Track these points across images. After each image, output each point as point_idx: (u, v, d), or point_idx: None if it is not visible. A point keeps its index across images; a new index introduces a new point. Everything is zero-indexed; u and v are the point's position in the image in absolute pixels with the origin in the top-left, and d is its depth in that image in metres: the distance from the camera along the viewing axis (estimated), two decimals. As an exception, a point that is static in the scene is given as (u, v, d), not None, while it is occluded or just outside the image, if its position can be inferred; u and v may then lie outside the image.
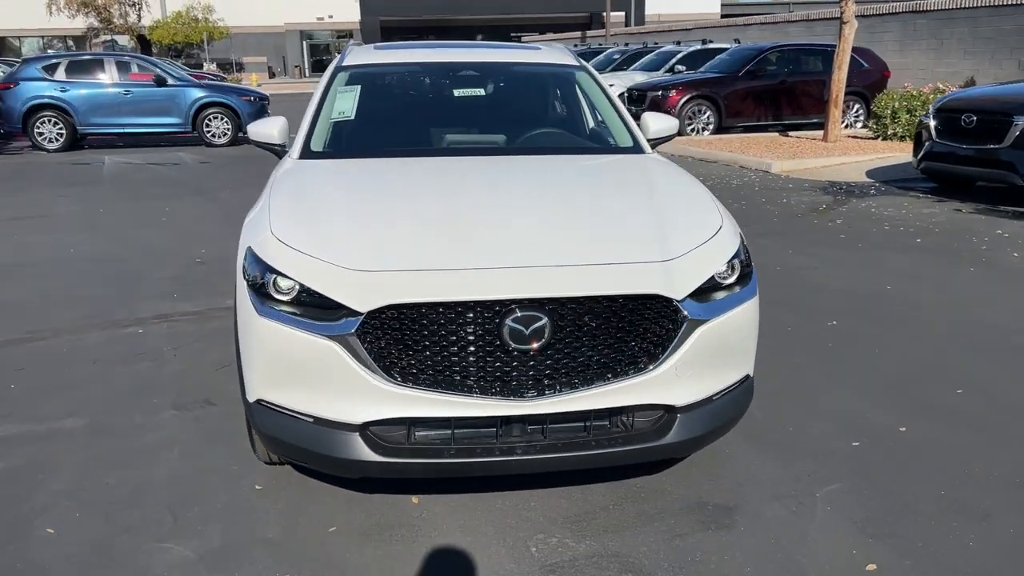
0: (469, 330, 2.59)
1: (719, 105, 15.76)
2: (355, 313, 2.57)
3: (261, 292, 2.74)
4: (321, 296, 2.62)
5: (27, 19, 51.26)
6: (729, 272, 2.91)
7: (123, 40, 52.02)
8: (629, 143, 4.09)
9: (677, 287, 2.71)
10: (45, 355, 4.71)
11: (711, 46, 19.91)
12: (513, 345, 2.58)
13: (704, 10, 52.25)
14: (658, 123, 4.28)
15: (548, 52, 4.79)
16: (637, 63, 20.29)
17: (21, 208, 9.64)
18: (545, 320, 2.58)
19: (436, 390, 2.62)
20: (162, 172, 12.79)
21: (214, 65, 45.97)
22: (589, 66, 4.56)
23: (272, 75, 53.89)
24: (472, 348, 2.60)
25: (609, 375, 2.69)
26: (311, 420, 2.70)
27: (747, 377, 3.04)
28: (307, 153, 3.83)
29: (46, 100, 15.29)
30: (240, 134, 15.84)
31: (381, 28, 48.39)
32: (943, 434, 3.65)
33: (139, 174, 12.57)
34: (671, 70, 18.73)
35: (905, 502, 3.10)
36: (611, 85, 18.03)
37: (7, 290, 6.06)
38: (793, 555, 2.77)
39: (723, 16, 48.16)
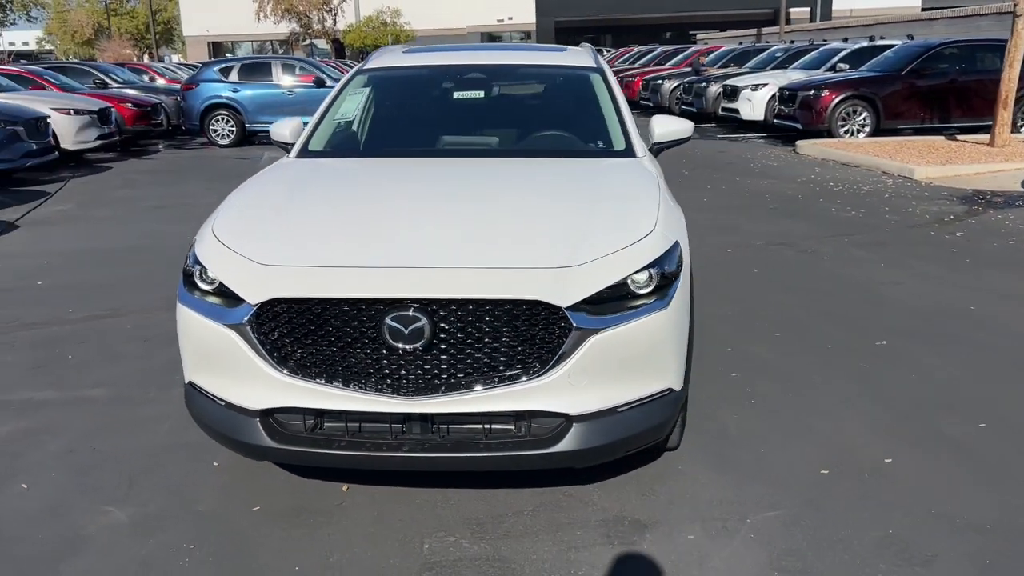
0: (353, 327, 2.67)
1: (876, 106, 14.75)
2: (250, 304, 2.72)
3: (189, 281, 2.96)
4: (224, 286, 2.81)
5: (240, 25, 55.83)
6: (648, 281, 2.81)
7: (321, 43, 55.63)
8: (621, 147, 4.00)
9: (565, 294, 2.66)
10: (110, 331, 5.23)
11: (879, 43, 18.65)
12: (395, 344, 2.64)
13: (902, 3, 48.78)
14: (664, 126, 4.17)
15: (568, 54, 4.77)
16: (798, 61, 19.36)
17: (169, 198, 10.63)
18: (424, 321, 2.62)
19: (326, 383, 2.72)
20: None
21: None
22: (606, 68, 4.49)
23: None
24: (357, 345, 2.69)
25: (497, 379, 2.69)
26: (223, 404, 2.88)
27: (668, 391, 2.92)
28: (303, 152, 4.04)
29: (221, 100, 16.71)
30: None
31: (556, 29, 48.88)
32: (929, 470, 3.32)
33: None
34: (832, 68, 17.73)
35: (840, 538, 2.87)
36: (763, 85, 17.42)
37: (116, 271, 6.76)
38: (683, 580, 2.66)
39: (924, 9, 44.83)
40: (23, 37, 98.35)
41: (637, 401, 2.85)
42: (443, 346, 2.67)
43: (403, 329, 2.62)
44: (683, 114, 21.21)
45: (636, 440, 2.89)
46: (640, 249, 2.87)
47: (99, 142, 14.41)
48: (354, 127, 4.36)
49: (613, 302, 2.75)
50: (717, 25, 45.93)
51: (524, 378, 2.68)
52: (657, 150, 4.26)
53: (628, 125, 4.10)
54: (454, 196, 3.39)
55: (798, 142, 14.23)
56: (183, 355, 3.02)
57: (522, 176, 3.61)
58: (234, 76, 16.91)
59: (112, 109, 15.20)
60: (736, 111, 17.90)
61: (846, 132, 14.91)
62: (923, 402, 3.97)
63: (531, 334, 2.68)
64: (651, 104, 23.25)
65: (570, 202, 3.24)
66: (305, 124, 4.31)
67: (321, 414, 2.80)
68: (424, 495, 3.18)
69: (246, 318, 2.72)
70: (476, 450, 2.75)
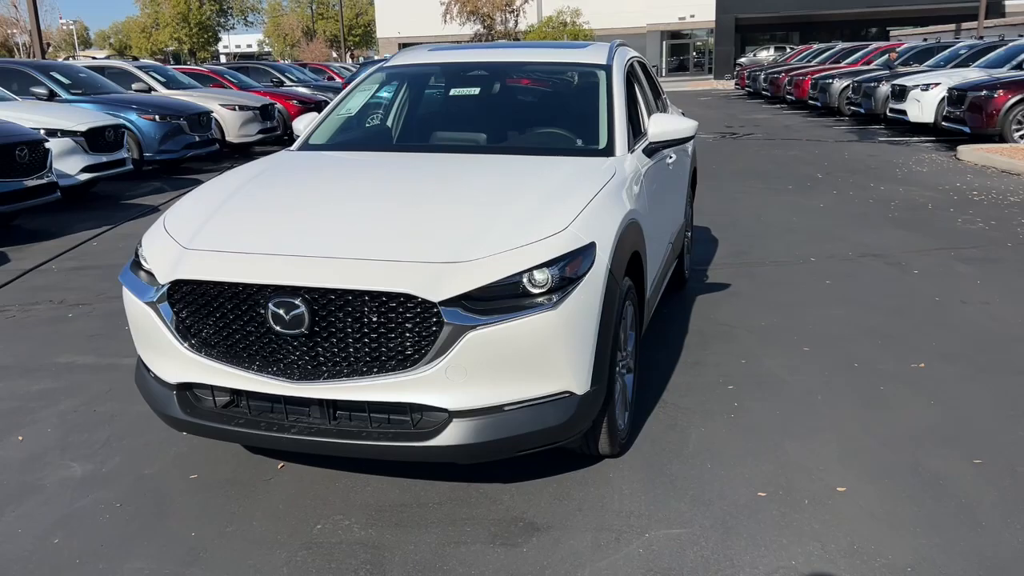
0: (243, 310, 2.81)
1: (1059, 109, 13.29)
2: (160, 283, 2.93)
3: (135, 262, 3.21)
4: (145, 264, 3.04)
5: (428, 27, 58.11)
6: (545, 281, 2.76)
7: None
8: (602, 145, 3.91)
9: (439, 290, 2.66)
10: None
11: (1076, 38, 16.72)
12: (278, 329, 2.76)
13: None
14: (659, 125, 4.04)
15: (584, 51, 4.67)
16: (981, 59, 17.72)
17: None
18: (303, 308, 2.71)
19: (225, 363, 2.88)
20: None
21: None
22: (616, 66, 4.38)
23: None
24: (249, 328, 2.82)
25: (376, 369, 2.74)
26: (153, 377, 3.11)
27: (567, 393, 2.85)
28: (303, 146, 4.25)
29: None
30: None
31: (736, 26, 47.27)
32: (878, 505, 3.03)
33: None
34: (1019, 66, 16.10)
35: (731, 564, 2.69)
36: (934, 85, 16.10)
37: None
38: (542, 587, 2.60)
39: None
40: (247, 40, 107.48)
41: (527, 401, 2.80)
42: (324, 334, 2.75)
43: (284, 315, 2.73)
44: (852, 116, 20.02)
45: (526, 440, 2.84)
46: (538, 248, 2.81)
47: (260, 135, 15.56)
48: (356, 123, 4.52)
49: (502, 299, 2.72)
50: (914, 20, 42.75)
51: (402, 370, 2.72)
52: (652, 149, 4.12)
53: (615, 123, 3.99)
54: (396, 191, 3.46)
55: (960, 147, 13.08)
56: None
57: (477, 174, 3.61)
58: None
59: (275, 105, 16.38)
60: (904, 112, 16.68)
61: (1021, 137, 13.54)
62: (923, 433, 3.60)
63: (406, 327, 2.70)
64: (819, 104, 22.08)
65: (497, 199, 3.21)
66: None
67: (236, 393, 2.96)
68: (348, 479, 3.28)
69: (158, 296, 2.93)
70: (360, 438, 2.81)
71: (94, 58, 44.22)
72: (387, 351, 2.73)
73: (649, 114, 4.67)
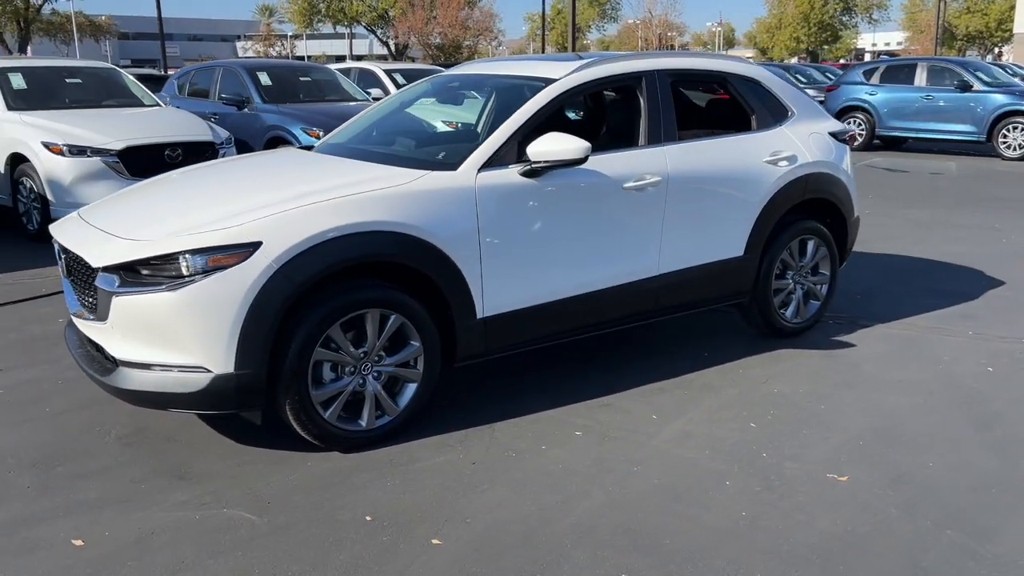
0: (61, 260, 3.89)
1: None
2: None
3: None
4: None
5: None
6: (187, 267, 3.25)
7: None
8: (449, 159, 3.95)
9: (101, 259, 3.38)
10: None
11: None
12: (66, 279, 3.80)
13: None
14: (538, 146, 3.85)
15: (547, 65, 4.48)
16: None
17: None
18: (63, 263, 3.70)
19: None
20: (916, 180, 12.66)
21: None
22: (561, 81, 4.17)
23: None
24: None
25: (91, 315, 3.58)
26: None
27: (201, 368, 3.29)
28: (321, 146, 5.03)
29: (856, 103, 16.39)
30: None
31: None
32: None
33: (884, 179, 12.73)
34: None
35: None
36: None
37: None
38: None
39: None
40: (889, 38, 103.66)
41: (168, 366, 3.35)
42: (76, 284, 3.69)
43: (63, 268, 3.76)
44: None
45: (171, 400, 3.38)
46: (191, 238, 3.31)
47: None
48: (360, 127, 5.06)
49: (153, 275, 3.32)
50: None
51: (97, 320, 3.51)
52: (531, 172, 3.91)
53: (485, 139, 3.93)
54: (223, 182, 4.11)
55: None
56: None
57: (291, 172, 4.08)
58: (875, 79, 16.32)
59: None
60: None
61: None
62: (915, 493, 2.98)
63: (92, 285, 3.48)
64: None
65: (250, 194, 3.68)
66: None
67: None
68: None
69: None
70: (90, 368, 3.66)
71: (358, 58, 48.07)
72: (91, 302, 3.55)
73: (638, 137, 4.37)
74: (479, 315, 3.84)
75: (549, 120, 4.18)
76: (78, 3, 71.35)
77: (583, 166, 4.07)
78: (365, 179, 3.73)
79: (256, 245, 3.29)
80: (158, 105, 9.57)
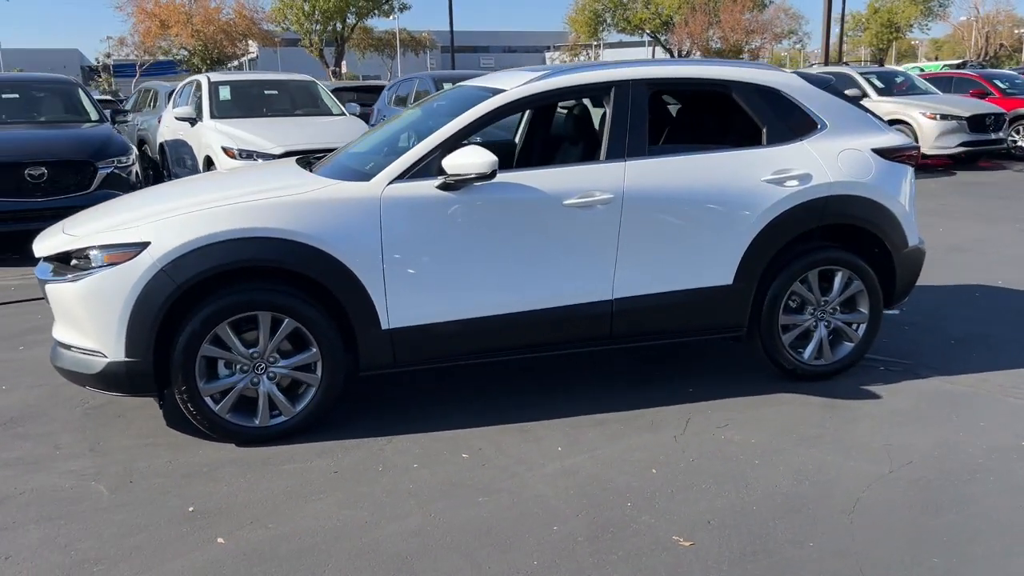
0: None
1: None
2: None
3: None
4: None
5: None
6: (92, 260, 3.65)
7: None
8: (368, 170, 3.98)
9: (41, 250, 3.88)
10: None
11: None
12: None
13: None
14: (454, 159, 3.80)
15: (519, 75, 4.24)
16: None
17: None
18: None
19: None
20: None
21: None
22: (506, 92, 4.02)
23: None
24: None
25: None
26: None
27: (99, 353, 3.67)
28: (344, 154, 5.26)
29: None
30: None
31: None
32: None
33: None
34: None
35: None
36: None
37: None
38: None
39: None
40: None
41: (79, 348, 3.78)
42: None
43: None
44: None
45: (84, 379, 3.79)
46: (98, 236, 3.71)
47: (962, 148, 14.07)
48: (375, 137, 5.14)
49: (74, 267, 3.76)
50: None
51: None
52: (449, 185, 3.83)
53: (406, 152, 3.92)
54: (184, 191, 4.37)
55: None
56: None
57: (241, 182, 4.28)
58: None
59: (1002, 115, 14.44)
60: None
61: None
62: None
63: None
64: None
65: (172, 199, 4.03)
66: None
67: None
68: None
69: None
70: None
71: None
72: None
73: (599, 152, 4.14)
74: (384, 326, 3.86)
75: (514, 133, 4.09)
76: (405, 20, 78.75)
77: (512, 180, 3.94)
78: (276, 187, 3.91)
79: (144, 245, 3.60)
80: (343, 115, 10.46)
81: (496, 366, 4.64)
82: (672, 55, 51.19)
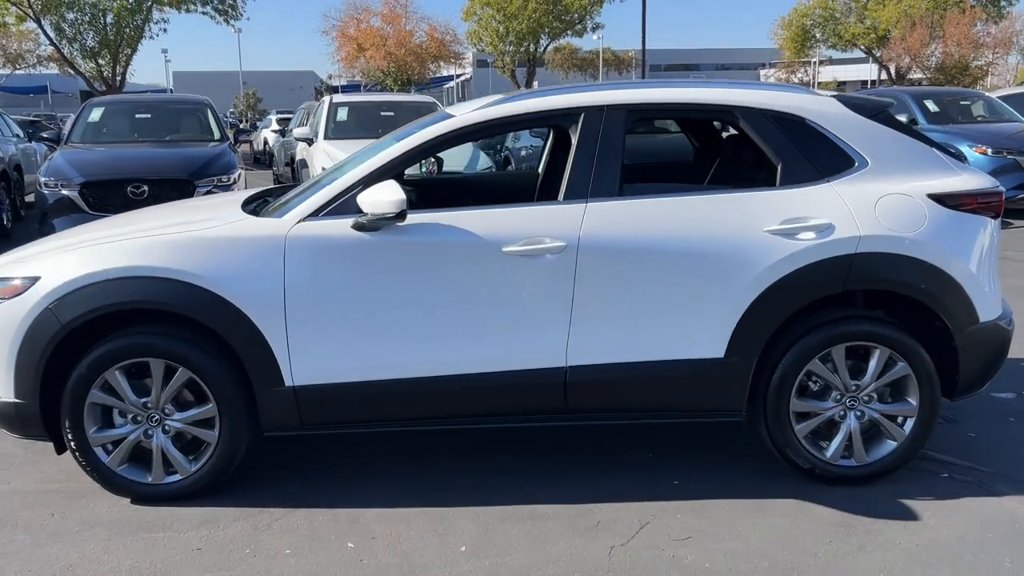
0: None
1: None
2: None
3: None
4: None
5: None
6: None
7: None
8: (280, 205, 3.55)
9: None
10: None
11: None
12: None
13: None
14: (368, 195, 3.30)
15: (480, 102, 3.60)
16: None
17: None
18: None
19: None
20: None
21: None
22: (453, 119, 3.44)
23: None
24: None
25: None
26: None
27: None
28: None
29: None
30: None
31: None
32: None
33: None
34: None
35: None
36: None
37: None
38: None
39: None
40: None
41: None
42: None
43: None
44: None
45: None
46: (2, 267, 3.51)
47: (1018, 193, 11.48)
48: None
49: None
50: None
51: None
52: (363, 225, 3.31)
53: (326, 182, 3.44)
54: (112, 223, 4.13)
55: None
56: None
57: (161, 215, 4.03)
58: None
59: None
60: None
61: None
62: None
63: None
64: None
65: (87, 231, 3.81)
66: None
67: None
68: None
69: None
70: None
71: None
72: None
73: (557, 190, 3.50)
74: (288, 382, 3.39)
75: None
76: (611, 39, 78.91)
77: (439, 221, 3.40)
78: (184, 222, 3.57)
79: (34, 280, 3.36)
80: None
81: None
82: (888, 72, 47.47)
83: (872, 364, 3.47)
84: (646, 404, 3.51)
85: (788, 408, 3.47)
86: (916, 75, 46.41)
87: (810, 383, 3.52)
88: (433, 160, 5.92)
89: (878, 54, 47.32)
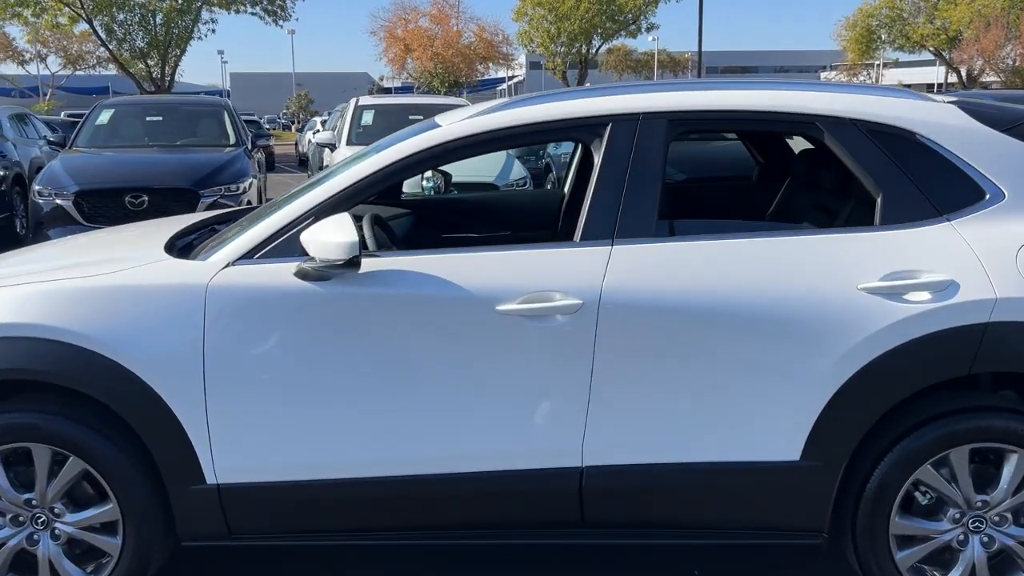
0: None
1: None
2: None
3: None
4: None
5: None
6: None
7: None
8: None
9: None
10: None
11: None
12: None
13: None
14: (311, 234, 2.42)
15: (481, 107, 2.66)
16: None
17: None
18: None
19: None
20: None
21: None
22: (443, 126, 2.53)
23: None
24: None
25: None
26: None
27: None
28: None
29: None
30: None
31: None
32: None
33: None
34: None
35: None
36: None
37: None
38: None
39: None
40: None
41: None
42: None
43: None
44: None
45: None
46: None
47: None
48: None
49: None
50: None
51: None
52: (308, 273, 2.45)
53: (270, 216, 2.59)
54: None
55: None
56: None
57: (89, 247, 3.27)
58: None
59: None
60: None
61: None
62: None
63: None
64: None
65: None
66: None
67: None
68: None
69: None
70: None
71: None
72: None
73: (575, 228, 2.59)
74: (210, 479, 2.55)
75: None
76: (666, 40, 77.76)
77: (407, 268, 2.53)
78: (93, 260, 2.77)
79: None
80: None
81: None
82: (959, 75, 45.37)
83: (1007, 472, 2.50)
84: (687, 520, 2.59)
85: (887, 529, 2.53)
86: (989, 78, 44.25)
87: (918, 496, 2.56)
88: (433, 173, 5.00)
89: (948, 56, 45.21)
